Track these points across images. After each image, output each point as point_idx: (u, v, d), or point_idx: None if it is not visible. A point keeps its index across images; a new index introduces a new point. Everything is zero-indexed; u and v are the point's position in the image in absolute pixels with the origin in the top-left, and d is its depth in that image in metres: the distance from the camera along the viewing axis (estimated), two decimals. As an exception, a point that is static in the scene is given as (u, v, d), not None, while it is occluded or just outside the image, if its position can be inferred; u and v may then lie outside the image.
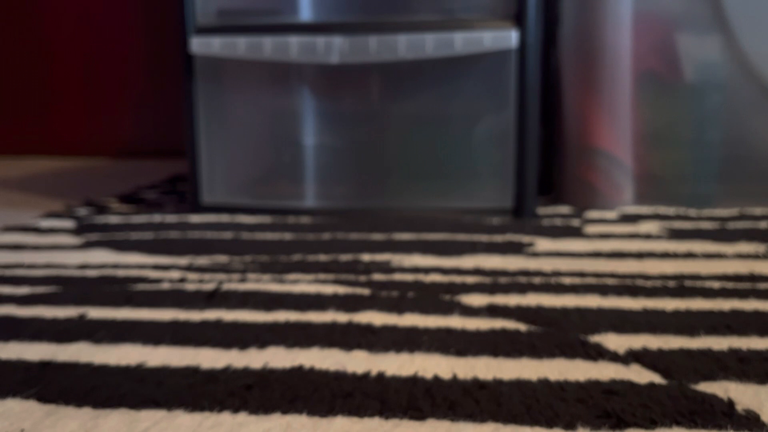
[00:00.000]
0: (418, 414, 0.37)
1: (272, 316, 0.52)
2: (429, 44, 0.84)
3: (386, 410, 0.37)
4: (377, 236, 0.79)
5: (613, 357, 0.44)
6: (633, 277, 0.62)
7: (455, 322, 0.50)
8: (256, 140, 0.94)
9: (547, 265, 0.66)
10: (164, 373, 0.42)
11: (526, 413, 0.36)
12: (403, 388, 0.40)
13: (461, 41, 0.84)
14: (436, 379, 0.41)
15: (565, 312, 0.52)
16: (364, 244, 0.75)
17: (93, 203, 1.04)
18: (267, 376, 0.41)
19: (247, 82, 0.92)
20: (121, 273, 0.65)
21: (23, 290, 0.60)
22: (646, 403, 0.37)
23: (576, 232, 0.80)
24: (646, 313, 0.52)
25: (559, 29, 0.95)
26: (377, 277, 0.63)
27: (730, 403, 0.37)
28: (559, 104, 0.97)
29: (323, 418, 0.36)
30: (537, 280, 0.61)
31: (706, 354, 0.44)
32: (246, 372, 0.42)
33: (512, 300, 0.55)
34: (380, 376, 0.41)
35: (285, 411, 0.37)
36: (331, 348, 0.46)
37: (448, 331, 0.48)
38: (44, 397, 0.39)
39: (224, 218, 0.91)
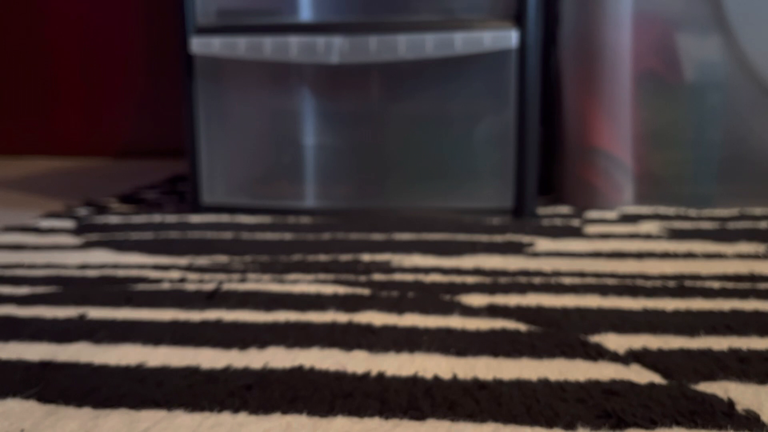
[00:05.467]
0: (418, 414, 0.37)
1: (272, 316, 0.52)
2: (429, 44, 0.84)
3: (386, 410, 0.37)
4: (377, 236, 0.79)
5: (613, 357, 0.44)
6: (633, 277, 0.62)
7: (455, 322, 0.50)
8: (256, 140, 0.94)
9: (547, 265, 0.66)
10: (164, 373, 0.42)
11: (526, 413, 0.36)
12: (403, 388, 0.40)
13: (461, 41, 0.84)
14: (436, 379, 0.41)
15: (565, 312, 0.52)
16: (364, 244, 0.75)
17: (93, 203, 1.04)
18: (267, 376, 0.41)
19: (247, 82, 0.92)
20: (121, 273, 0.65)
21: (23, 290, 0.60)
22: (646, 403, 0.37)
23: (576, 232, 0.80)
24: (646, 313, 0.52)
25: (559, 29, 0.95)
26: (377, 277, 0.63)
27: (730, 403, 0.37)
28: (559, 104, 0.97)
29: (323, 418, 0.36)
30: (537, 280, 0.61)
31: (706, 354, 0.44)
32: (246, 372, 0.42)
33: (512, 300, 0.55)
34: (380, 376, 0.41)
35: (285, 411, 0.37)
36: (331, 348, 0.46)
37: (448, 331, 0.48)
38: (44, 397, 0.39)
39: (224, 218, 0.91)
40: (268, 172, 0.95)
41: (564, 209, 0.93)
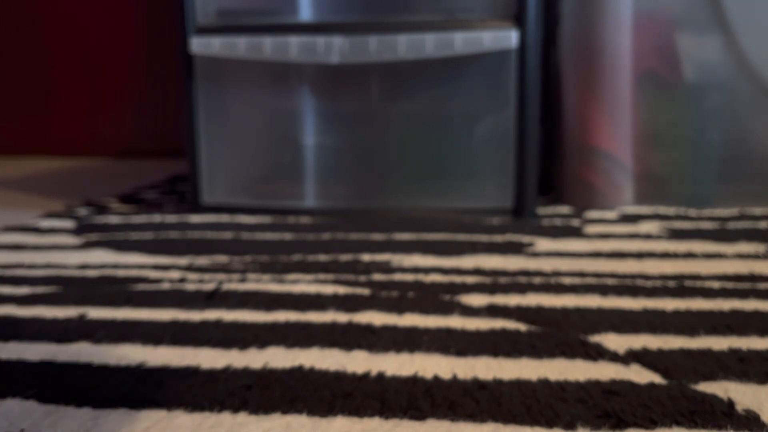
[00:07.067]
0: (418, 414, 0.37)
1: (272, 316, 0.52)
2: (429, 44, 0.84)
3: (386, 410, 0.37)
4: (377, 236, 0.79)
5: (613, 357, 0.44)
6: (633, 277, 0.62)
7: (455, 322, 0.50)
8: (256, 140, 0.94)
9: (547, 265, 0.66)
10: (164, 373, 0.42)
11: (526, 413, 0.36)
12: (403, 388, 0.40)
13: (461, 41, 0.84)
14: (436, 379, 0.41)
15: (565, 312, 0.52)
16: (364, 244, 0.75)
17: (93, 203, 1.04)
18: (267, 376, 0.41)
19: (247, 82, 0.92)
20: (121, 273, 0.65)
21: (23, 290, 0.60)
22: (646, 403, 0.37)
23: (576, 232, 0.80)
24: (646, 313, 0.52)
25: (559, 29, 0.95)
26: (377, 277, 0.63)
27: (730, 403, 0.37)
28: (559, 104, 0.97)
29: (323, 418, 0.36)
30: (537, 280, 0.61)
31: (706, 354, 0.44)
32: (246, 372, 0.42)
33: (512, 300, 0.55)
34: (380, 376, 0.41)
35: (285, 411, 0.37)
36: (331, 348, 0.46)
37: (448, 331, 0.48)
38: (44, 397, 0.39)
39: (224, 218, 0.91)
40: (268, 172, 0.95)
41: (564, 209, 0.93)
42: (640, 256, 0.69)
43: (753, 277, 0.61)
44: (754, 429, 0.35)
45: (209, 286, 0.60)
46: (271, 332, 0.49)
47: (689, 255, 0.69)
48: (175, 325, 0.51)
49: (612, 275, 0.62)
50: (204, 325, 0.51)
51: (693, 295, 0.56)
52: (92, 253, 0.74)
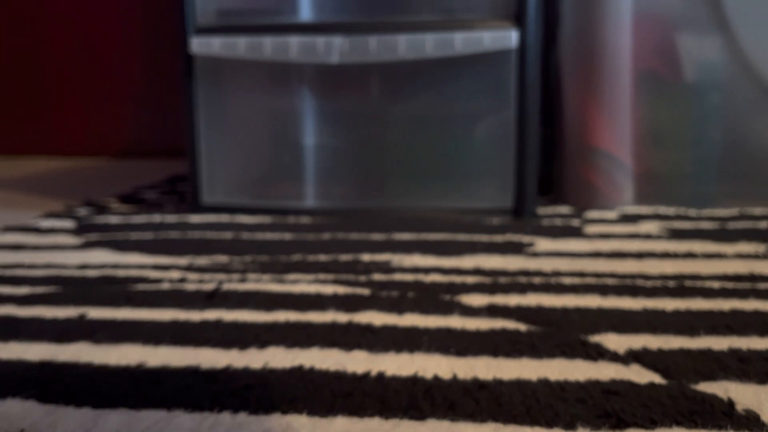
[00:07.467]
0: (418, 414, 0.37)
1: (272, 316, 0.52)
2: (429, 44, 0.84)
3: (386, 410, 0.37)
4: (377, 236, 0.79)
5: (613, 357, 0.44)
6: (633, 277, 0.62)
7: (455, 322, 0.50)
8: (256, 140, 0.94)
9: (547, 265, 0.66)
10: (164, 373, 0.42)
11: (526, 413, 0.36)
12: (403, 388, 0.40)
13: (461, 41, 0.84)
14: (436, 379, 0.41)
15: (565, 312, 0.52)
16: (364, 244, 0.75)
17: (93, 203, 1.04)
18: (267, 376, 0.41)
19: (247, 82, 0.92)
20: (121, 273, 0.65)
21: (23, 290, 0.60)
22: (646, 403, 0.37)
23: (576, 232, 0.80)
24: (646, 313, 0.52)
25: (559, 29, 0.95)
26: (377, 277, 0.63)
27: (730, 403, 0.37)
28: (559, 104, 0.97)
29: (323, 418, 0.36)
30: (537, 280, 0.61)
31: (706, 354, 0.44)
32: (246, 372, 0.42)
33: (512, 300, 0.55)
34: (380, 376, 0.41)
35: (285, 411, 0.37)
36: (331, 348, 0.46)
37: (448, 331, 0.48)
38: (44, 397, 0.39)
39: (224, 218, 0.91)
40: (268, 172, 0.95)
41: (564, 209, 0.93)
42: (640, 256, 0.69)
43: (753, 277, 0.61)
44: (754, 429, 0.35)
45: (209, 286, 0.60)
46: (271, 332, 0.49)
47: (689, 255, 0.69)
48: (175, 325, 0.51)
49: (612, 275, 0.62)
50: (204, 325, 0.51)
51: (693, 295, 0.56)
52: (92, 253, 0.74)
